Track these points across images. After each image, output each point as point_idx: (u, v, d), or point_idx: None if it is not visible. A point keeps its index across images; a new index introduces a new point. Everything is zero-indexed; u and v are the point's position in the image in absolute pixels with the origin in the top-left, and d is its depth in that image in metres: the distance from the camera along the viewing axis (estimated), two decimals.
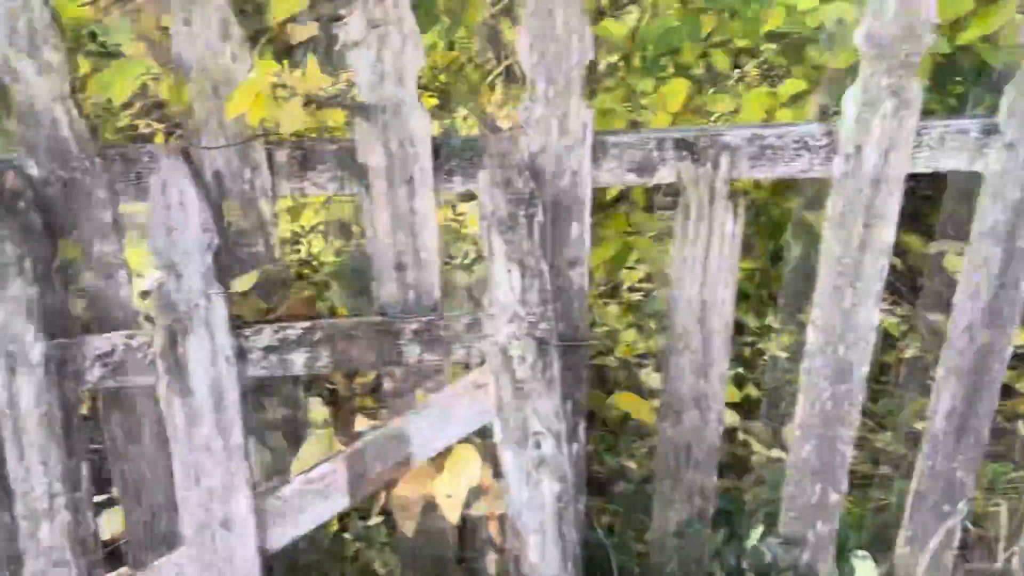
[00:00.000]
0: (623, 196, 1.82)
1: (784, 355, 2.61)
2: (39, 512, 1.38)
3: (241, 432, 1.39)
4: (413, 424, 1.42)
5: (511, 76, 2.67)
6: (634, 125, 1.67)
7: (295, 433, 1.60)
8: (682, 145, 1.41)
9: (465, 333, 1.42)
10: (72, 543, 1.39)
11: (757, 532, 1.77)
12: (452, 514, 1.42)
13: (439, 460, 1.46)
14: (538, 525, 1.44)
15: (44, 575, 1.39)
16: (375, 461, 1.43)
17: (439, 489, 1.43)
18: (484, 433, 1.49)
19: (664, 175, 1.44)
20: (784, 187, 2.24)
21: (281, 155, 1.39)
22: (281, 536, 1.43)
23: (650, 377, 2.59)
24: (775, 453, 2.31)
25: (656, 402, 2.45)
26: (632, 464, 2.15)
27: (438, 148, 1.40)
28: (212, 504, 1.40)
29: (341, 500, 1.44)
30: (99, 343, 1.38)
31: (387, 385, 1.56)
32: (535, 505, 1.43)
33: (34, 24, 1.26)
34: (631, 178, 1.44)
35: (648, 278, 3.01)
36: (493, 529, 1.64)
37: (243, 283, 1.38)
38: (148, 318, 1.83)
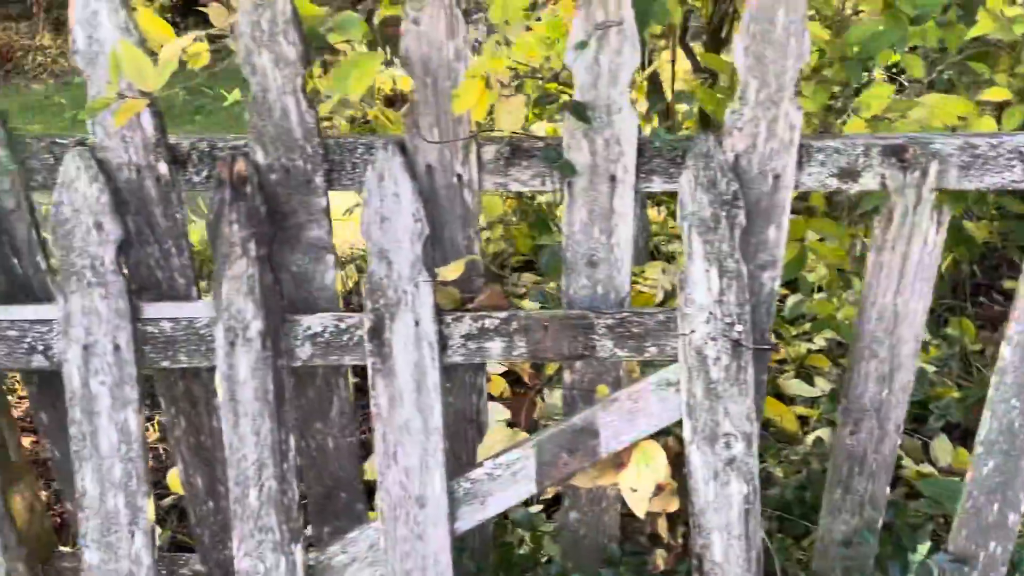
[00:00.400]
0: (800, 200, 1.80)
1: (932, 368, 2.55)
2: (249, 479, 1.47)
3: (440, 415, 1.45)
4: (602, 417, 1.45)
5: (656, 82, 2.66)
6: (824, 130, 1.66)
7: (477, 421, 1.65)
8: (890, 152, 1.40)
9: (658, 331, 1.44)
10: (277, 510, 1.47)
11: (925, 547, 1.73)
12: (639, 507, 1.44)
13: (620, 454, 1.49)
14: (723, 524, 1.45)
15: (250, 538, 1.48)
16: (563, 451, 1.46)
17: (625, 483, 1.46)
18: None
19: (867, 182, 1.42)
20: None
21: (489, 150, 1.44)
22: (470, 518, 1.49)
23: (789, 384, 2.57)
24: (925, 468, 2.26)
25: (799, 409, 2.44)
26: (779, 471, 2.14)
27: (642, 147, 1.42)
28: (408, 482, 1.46)
29: (528, 486, 1.48)
30: (311, 322, 1.46)
31: (567, 377, 1.60)
32: (722, 505, 1.44)
33: (276, 19, 1.34)
34: (833, 183, 1.43)
35: (787, 283, 2.97)
36: (662, 526, 1.66)
37: (450, 272, 1.43)
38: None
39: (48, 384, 1.64)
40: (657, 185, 1.45)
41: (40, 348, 1.47)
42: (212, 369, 1.64)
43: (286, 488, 1.48)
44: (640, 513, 1.44)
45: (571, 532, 1.74)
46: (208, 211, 1.42)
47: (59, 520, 2.16)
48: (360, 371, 1.64)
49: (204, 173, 1.47)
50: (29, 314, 1.47)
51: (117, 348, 1.45)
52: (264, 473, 1.47)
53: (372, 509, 1.85)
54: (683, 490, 1.56)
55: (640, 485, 1.44)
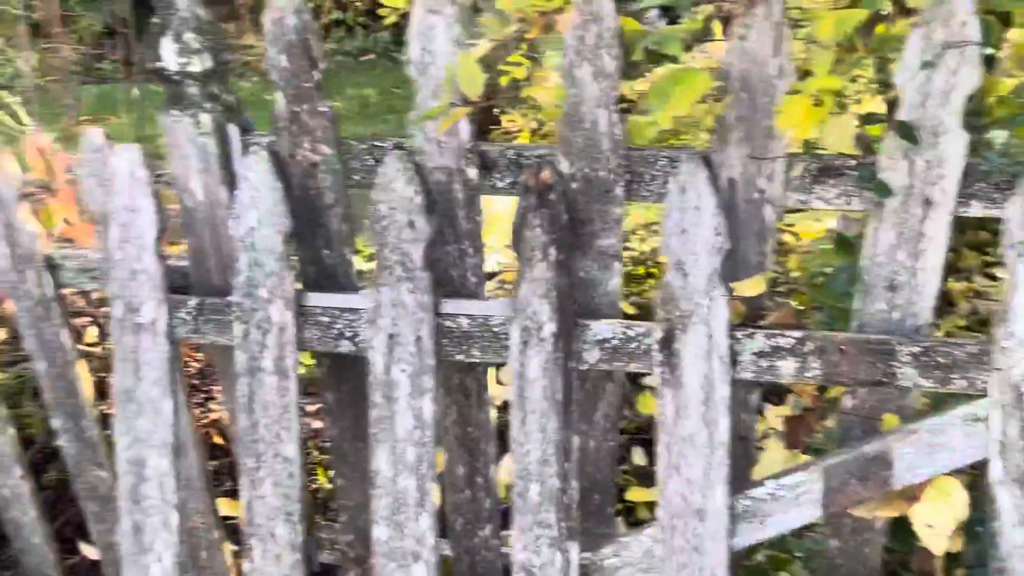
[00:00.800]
0: None
1: None
2: (531, 474, 1.52)
3: (727, 430, 1.44)
4: (897, 448, 1.41)
5: None
6: None
7: (747, 438, 1.64)
8: None
9: (967, 363, 1.37)
10: (556, 507, 1.52)
11: None
12: (937, 545, 1.38)
13: (912, 487, 1.43)
14: None
15: (529, 531, 1.53)
16: (852, 478, 1.43)
17: (918, 518, 1.40)
18: None
19: None
20: None
21: (796, 168, 1.42)
22: (748, 536, 1.48)
23: None
24: None
25: None
26: None
27: (966, 170, 1.36)
28: (689, 494, 1.47)
29: (811, 511, 1.45)
30: (599, 328, 1.50)
31: (848, 402, 1.56)
32: None
33: (602, 34, 1.38)
34: None
35: None
36: (938, 564, 1.59)
37: (748, 287, 1.43)
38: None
39: (337, 367, 1.77)
40: (975, 210, 1.39)
41: (348, 335, 1.59)
42: (487, 365, 1.73)
43: (566, 487, 1.52)
44: (937, 551, 1.39)
45: (828, 560, 1.69)
46: (514, 216, 1.48)
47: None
48: None
49: (508, 179, 1.54)
50: (340, 302, 1.60)
51: (419, 339, 1.54)
52: (546, 470, 1.52)
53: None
54: (967, 529, 1.48)
55: (937, 522, 1.39)
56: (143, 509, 1.69)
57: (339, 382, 1.79)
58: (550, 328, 1.49)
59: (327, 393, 1.82)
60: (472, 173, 1.53)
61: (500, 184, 1.55)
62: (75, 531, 2.40)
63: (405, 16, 1.53)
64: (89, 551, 2.28)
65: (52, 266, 1.82)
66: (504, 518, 1.76)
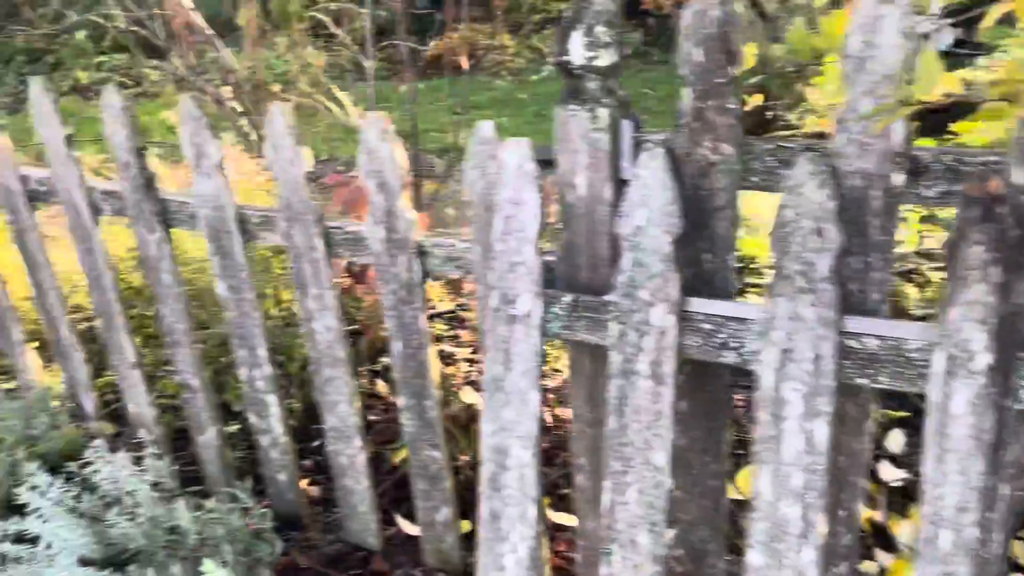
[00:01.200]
0: None
1: None
2: (943, 520, 1.36)
3: None
4: None
5: None
6: None
7: None
8: None
9: None
10: (971, 560, 1.34)
11: None
12: None
13: None
14: None
15: None
16: None
17: None
18: None
19: None
20: None
21: None
22: None
23: None
24: None
25: None
26: None
27: None
28: None
29: None
30: None
31: None
32: None
33: None
34: None
35: None
36: None
37: None
38: None
39: (698, 376, 1.70)
40: None
41: (732, 345, 1.50)
42: (877, 392, 1.58)
43: (987, 539, 1.34)
44: None
45: None
46: (951, 230, 1.32)
47: None
48: None
49: (939, 188, 1.38)
50: (726, 310, 1.51)
51: (817, 358, 1.42)
52: (963, 518, 1.35)
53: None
54: None
55: None
56: (502, 498, 1.70)
57: (698, 391, 1.71)
58: (984, 359, 1.31)
59: (682, 401, 1.75)
60: (897, 179, 1.39)
61: (928, 193, 1.39)
62: (390, 504, 2.53)
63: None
64: (406, 526, 2.39)
65: (422, 252, 1.90)
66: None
